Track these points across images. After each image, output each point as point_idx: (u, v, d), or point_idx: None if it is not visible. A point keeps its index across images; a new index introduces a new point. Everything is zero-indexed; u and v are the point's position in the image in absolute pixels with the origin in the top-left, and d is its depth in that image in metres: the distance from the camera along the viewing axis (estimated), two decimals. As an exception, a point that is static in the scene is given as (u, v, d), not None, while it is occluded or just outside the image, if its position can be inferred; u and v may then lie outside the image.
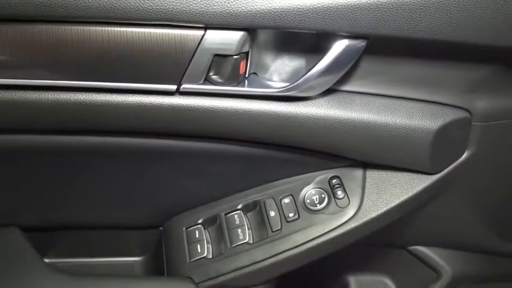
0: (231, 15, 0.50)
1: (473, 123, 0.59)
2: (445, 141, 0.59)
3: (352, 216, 0.61)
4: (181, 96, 0.55)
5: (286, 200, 0.64)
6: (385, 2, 0.49)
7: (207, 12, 0.49)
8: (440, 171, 0.61)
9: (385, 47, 0.53)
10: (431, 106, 0.58)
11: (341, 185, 0.63)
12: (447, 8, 0.49)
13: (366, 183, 0.62)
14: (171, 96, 0.55)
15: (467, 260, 0.71)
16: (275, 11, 0.49)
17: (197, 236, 0.66)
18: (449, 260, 0.71)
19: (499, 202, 0.67)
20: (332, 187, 0.63)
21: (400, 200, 0.61)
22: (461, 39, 0.51)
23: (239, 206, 0.66)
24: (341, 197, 0.63)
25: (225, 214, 0.67)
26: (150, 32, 0.51)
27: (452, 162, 0.61)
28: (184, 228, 0.68)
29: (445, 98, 0.58)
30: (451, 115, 0.58)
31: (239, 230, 0.65)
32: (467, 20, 0.50)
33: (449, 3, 0.49)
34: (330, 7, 0.49)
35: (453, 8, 0.49)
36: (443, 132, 0.57)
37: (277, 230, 0.63)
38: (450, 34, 0.51)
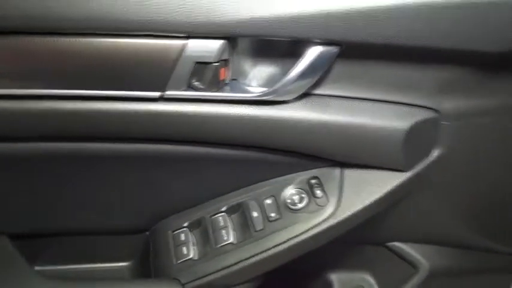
0: (212, 24, 0.52)
1: (442, 122, 0.63)
2: (417, 140, 0.62)
3: (331, 214, 0.64)
4: (166, 103, 0.57)
5: (268, 201, 0.67)
6: (356, 11, 0.53)
7: (189, 22, 0.52)
8: (412, 169, 0.64)
9: (357, 52, 0.56)
10: (402, 107, 0.61)
11: (320, 185, 0.66)
12: (414, 15, 0.53)
13: (344, 182, 0.65)
14: (156, 103, 0.57)
15: (444, 254, 0.74)
16: (253, 20, 0.52)
17: (183, 238, 0.68)
18: (427, 254, 0.74)
19: (472, 197, 0.70)
20: (311, 187, 0.66)
21: (376, 197, 0.64)
22: (428, 45, 0.55)
23: (223, 208, 0.69)
24: (320, 196, 0.65)
25: (210, 216, 0.69)
26: (135, 42, 0.53)
27: (425, 160, 0.65)
28: (170, 232, 0.70)
29: (415, 99, 0.61)
30: (421, 115, 0.61)
31: (224, 231, 0.67)
32: (433, 26, 0.54)
33: (416, 11, 0.53)
34: (305, 16, 0.52)
35: (420, 15, 0.53)
36: (414, 132, 0.61)
37: (260, 229, 0.65)
38: (418, 40, 0.54)
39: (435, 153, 0.64)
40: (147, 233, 0.73)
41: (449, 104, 0.61)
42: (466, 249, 0.73)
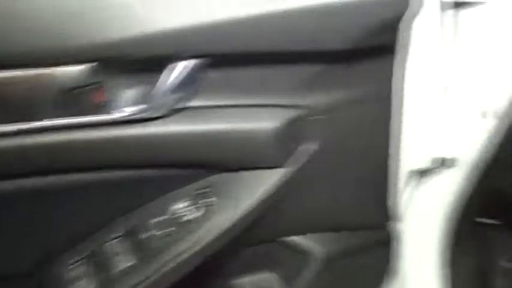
0: (79, 50, 0.53)
1: (312, 117, 0.68)
2: (290, 137, 0.67)
3: (225, 218, 0.66)
4: (43, 133, 0.56)
5: (163, 217, 0.68)
6: (218, 24, 0.57)
7: (57, 49, 0.52)
8: (291, 165, 0.69)
9: (225, 62, 0.60)
10: (271, 109, 0.66)
11: (213, 192, 0.68)
12: (269, 24, 0.58)
13: (234, 186, 0.68)
14: (29, 135, 0.56)
15: (337, 238, 0.79)
16: (121, 41, 0.54)
17: (80, 272, 0.66)
18: (321, 242, 0.78)
19: (351, 182, 0.76)
20: (203, 196, 0.68)
21: (263, 195, 0.67)
22: (285, 49, 0.61)
23: (118, 233, 0.68)
24: (213, 203, 0.68)
25: (106, 243, 0.67)
26: (4, 76, 0.52)
27: (303, 154, 0.70)
28: (65, 268, 0.67)
29: (282, 99, 0.66)
30: (289, 113, 0.66)
31: (122, 256, 0.66)
32: (287, 32, 0.60)
33: (269, 20, 0.58)
34: (170, 33, 0.55)
35: (274, 23, 0.59)
36: (285, 130, 0.65)
37: (158, 246, 0.66)
38: (276, 45, 0.60)
39: (311, 147, 0.70)
40: (39, 273, 0.70)
41: (314, 100, 0.67)
42: (355, 230, 0.80)
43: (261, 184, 0.67)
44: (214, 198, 0.68)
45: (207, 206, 0.67)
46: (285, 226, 0.76)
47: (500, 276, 0.87)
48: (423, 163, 0.74)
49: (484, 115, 0.68)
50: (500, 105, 0.67)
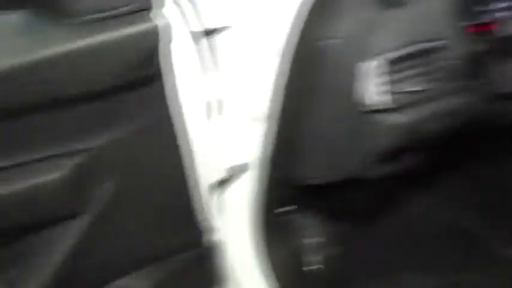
0: None
1: (101, 158, 0.67)
2: (83, 183, 0.66)
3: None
4: None
5: None
6: None
7: None
8: (91, 210, 0.68)
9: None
10: (54, 159, 0.63)
11: (8, 266, 0.62)
12: (33, 73, 0.57)
13: (33, 251, 0.63)
14: None
15: (159, 268, 0.79)
16: None
17: None
18: (145, 276, 0.78)
19: (159, 212, 0.77)
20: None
21: (70, 249, 0.64)
22: (55, 95, 0.59)
23: None
24: (13, 278, 0.61)
25: None
26: None
27: (101, 198, 0.69)
28: None
29: (64, 148, 0.64)
30: (75, 160, 0.64)
31: None
32: (53, 79, 0.59)
33: (33, 70, 0.57)
34: None
35: (37, 72, 0.57)
36: (77, 177, 0.64)
37: None
38: (44, 94, 0.59)
39: (107, 188, 0.69)
40: None
41: (98, 141, 0.67)
42: (175, 255, 0.81)
43: (63, 239, 0.64)
44: (13, 271, 0.61)
45: (7, 284, 0.61)
46: (104, 273, 0.73)
47: (309, 253, 1.00)
48: (219, 174, 0.80)
49: (255, 120, 0.78)
50: (265, 111, 0.78)
